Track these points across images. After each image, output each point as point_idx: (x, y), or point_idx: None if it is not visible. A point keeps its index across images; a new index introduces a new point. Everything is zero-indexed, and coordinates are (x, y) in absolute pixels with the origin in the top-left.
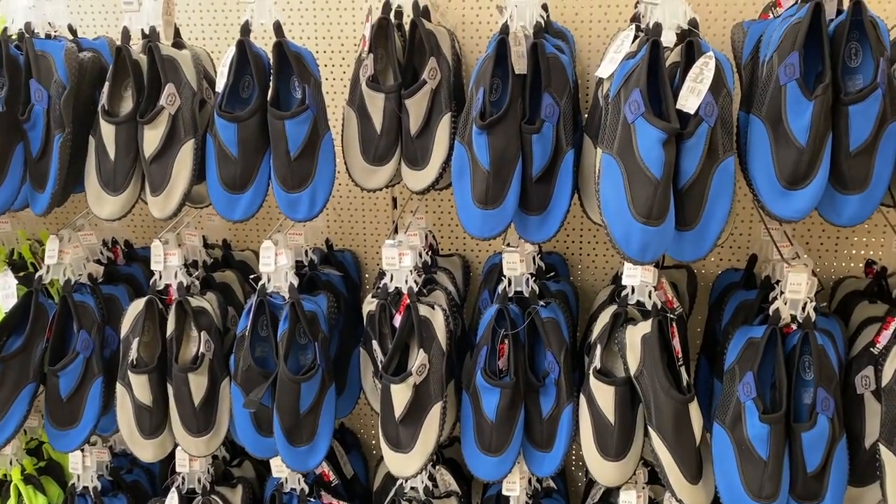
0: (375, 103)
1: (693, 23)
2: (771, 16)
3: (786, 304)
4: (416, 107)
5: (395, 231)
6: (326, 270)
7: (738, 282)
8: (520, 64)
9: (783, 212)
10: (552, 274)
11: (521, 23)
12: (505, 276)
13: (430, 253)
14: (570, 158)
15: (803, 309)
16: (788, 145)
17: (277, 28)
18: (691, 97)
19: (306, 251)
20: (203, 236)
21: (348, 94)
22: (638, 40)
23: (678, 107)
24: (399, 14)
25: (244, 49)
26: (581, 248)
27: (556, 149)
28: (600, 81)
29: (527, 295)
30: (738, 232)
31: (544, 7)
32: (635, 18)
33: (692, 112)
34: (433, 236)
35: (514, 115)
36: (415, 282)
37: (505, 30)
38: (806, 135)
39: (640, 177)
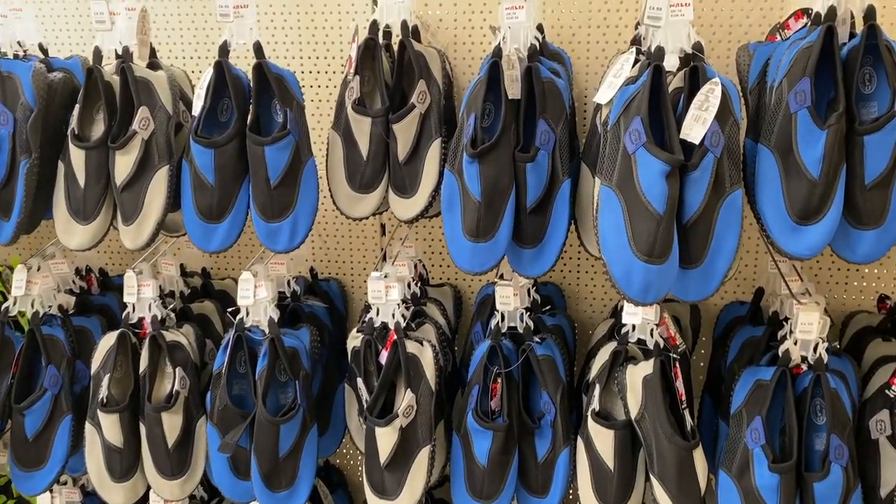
0: (361, 128)
1: (697, 47)
2: (778, 38)
3: (796, 344)
4: (404, 132)
5: (384, 258)
6: (310, 301)
7: (743, 316)
8: (513, 88)
9: (794, 248)
10: (548, 308)
11: (514, 45)
12: (498, 311)
13: (419, 284)
14: (566, 188)
15: (815, 350)
16: (799, 177)
17: (258, 49)
18: (696, 126)
19: (289, 281)
20: (181, 264)
21: (333, 118)
22: (639, 64)
23: (682, 136)
24: (387, 34)
25: (222, 70)
26: (579, 279)
27: (551, 178)
28: (598, 107)
29: (521, 331)
30: (743, 263)
31: (540, 28)
32: (635, 41)
33: (697, 142)
34: (423, 265)
35: (507, 142)
36: (402, 316)
37: (498, 52)
38: (818, 166)
39: (641, 211)
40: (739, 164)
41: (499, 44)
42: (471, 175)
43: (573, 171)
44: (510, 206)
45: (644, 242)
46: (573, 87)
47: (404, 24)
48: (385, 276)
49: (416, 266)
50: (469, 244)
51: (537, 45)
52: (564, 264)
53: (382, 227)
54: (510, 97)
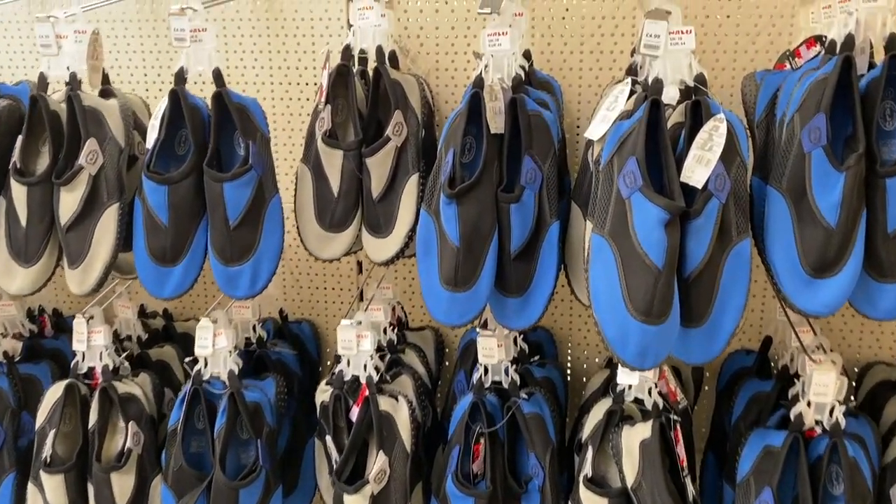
0: (332, 162)
1: (700, 79)
2: (788, 66)
3: (809, 406)
4: (378, 166)
5: (361, 298)
6: (278, 348)
7: (749, 367)
8: (496, 122)
9: (808, 305)
10: (536, 358)
11: (497, 74)
12: (480, 364)
13: (395, 330)
14: (554, 231)
15: (830, 414)
16: (814, 225)
17: (217, 76)
18: (699, 168)
19: (254, 326)
20: (141, 305)
21: (303, 151)
22: (634, 97)
23: (683, 179)
24: (363, 60)
25: (178, 100)
26: (571, 322)
27: (538, 220)
28: (591, 143)
29: (506, 386)
30: (749, 307)
31: (527, 55)
32: (631, 70)
33: (699, 186)
34: (402, 307)
35: (489, 181)
36: (375, 368)
37: (479, 82)
38: (836, 213)
39: (637, 264)
40: (747, 211)
41: (480, 73)
42: (448, 217)
43: (562, 212)
44: (492, 252)
45: (641, 300)
46: (564, 117)
47: (379, 50)
48: (357, 324)
49: (393, 309)
50: (446, 294)
51: (522, 73)
52: (556, 307)
53: (359, 264)
54: (493, 131)
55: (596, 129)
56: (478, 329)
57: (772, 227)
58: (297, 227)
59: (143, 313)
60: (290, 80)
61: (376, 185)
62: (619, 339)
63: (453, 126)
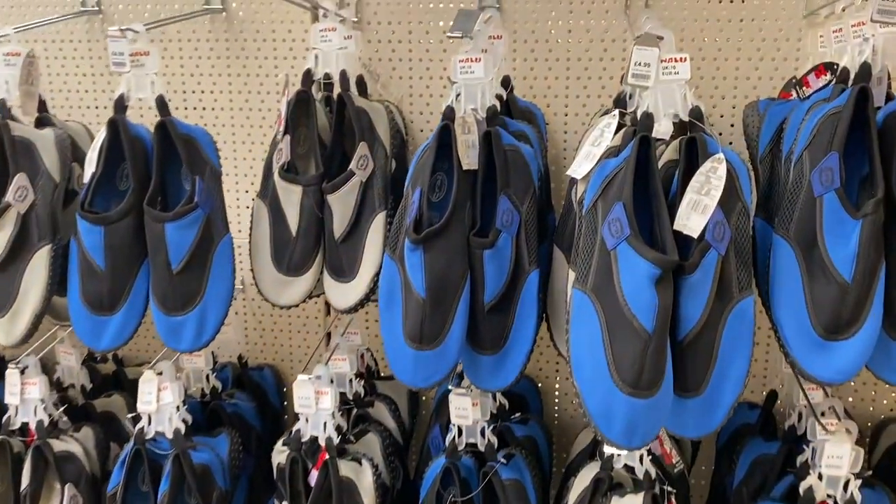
0: (291, 198)
1: (696, 113)
2: (794, 95)
3: (821, 478)
4: (340, 203)
5: (328, 338)
6: (236, 399)
7: (752, 424)
8: (468, 157)
9: (821, 371)
10: (517, 414)
11: (471, 105)
12: (454, 425)
13: (363, 381)
14: (534, 280)
15: (845, 488)
16: (827, 279)
17: (161, 104)
18: (694, 215)
19: (208, 376)
20: (89, 350)
21: (260, 185)
22: (623, 131)
23: (676, 228)
24: (329, 85)
25: (117, 130)
26: (558, 371)
27: (515, 268)
28: (575, 181)
29: (482, 448)
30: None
31: (506, 83)
32: (620, 100)
33: (695, 236)
34: (371, 355)
35: (460, 224)
36: (338, 428)
37: (449, 114)
38: (851, 266)
39: (624, 327)
40: (750, 264)
41: (451, 103)
42: (413, 265)
43: (543, 259)
44: (463, 304)
45: (628, 369)
46: (548, 149)
47: (343, 75)
48: (316, 379)
49: (362, 356)
50: (411, 352)
51: (499, 103)
52: (541, 353)
53: (327, 304)
54: (465, 168)
55: (579, 168)
56: (450, 386)
57: (778, 280)
58: (252, 270)
59: (91, 357)
60: (252, 106)
61: (339, 225)
62: (604, 414)
63: (421, 162)
